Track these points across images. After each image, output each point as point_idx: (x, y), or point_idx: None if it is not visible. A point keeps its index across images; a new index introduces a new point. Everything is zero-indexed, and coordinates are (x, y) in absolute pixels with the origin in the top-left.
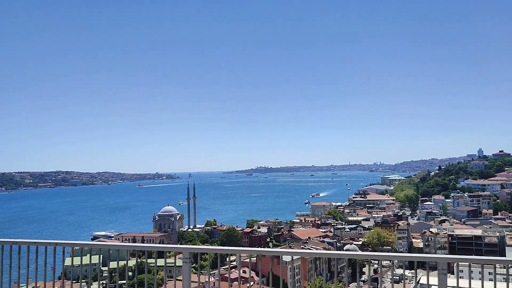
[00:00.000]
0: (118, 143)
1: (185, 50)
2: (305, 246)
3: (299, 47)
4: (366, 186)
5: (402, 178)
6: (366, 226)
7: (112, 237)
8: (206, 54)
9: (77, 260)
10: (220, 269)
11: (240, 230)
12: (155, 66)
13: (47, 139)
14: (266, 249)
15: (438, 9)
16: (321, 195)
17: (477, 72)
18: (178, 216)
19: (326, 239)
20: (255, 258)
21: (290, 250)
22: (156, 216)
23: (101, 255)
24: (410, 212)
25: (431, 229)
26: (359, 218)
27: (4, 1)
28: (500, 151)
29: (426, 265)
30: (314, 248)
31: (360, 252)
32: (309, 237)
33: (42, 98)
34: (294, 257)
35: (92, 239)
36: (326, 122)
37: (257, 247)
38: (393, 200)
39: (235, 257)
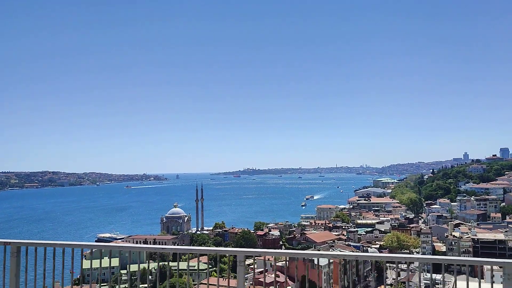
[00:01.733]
0: (105, 143)
1: (174, 50)
2: (334, 249)
3: (288, 48)
4: (361, 189)
5: (395, 181)
6: (382, 229)
7: (118, 238)
8: (195, 54)
9: (91, 263)
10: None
11: (252, 232)
12: (142, 67)
13: (33, 139)
14: (302, 251)
15: (429, 10)
16: (315, 197)
17: (464, 76)
18: (186, 218)
19: (350, 243)
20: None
21: (326, 252)
22: (164, 218)
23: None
24: (413, 215)
25: (453, 233)
26: (369, 221)
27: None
28: (493, 155)
29: (454, 268)
30: (342, 251)
31: (401, 255)
32: (330, 241)
33: (29, 98)
34: (322, 260)
35: (97, 241)
36: (313, 123)
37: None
38: (397, 203)
39: (249, 260)
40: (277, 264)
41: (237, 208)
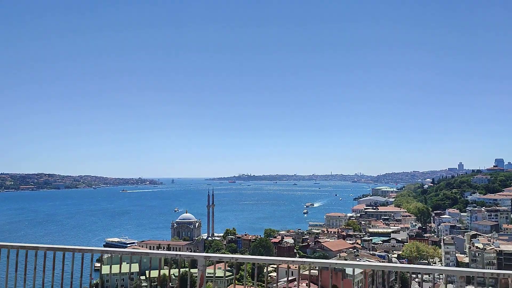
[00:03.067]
0: (100, 147)
1: (169, 57)
2: (360, 258)
3: (284, 56)
4: (360, 197)
5: (395, 189)
6: (399, 239)
7: (128, 243)
8: (190, 60)
9: (110, 268)
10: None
11: (269, 240)
12: (138, 73)
13: (28, 141)
14: (332, 260)
15: (425, 20)
16: (315, 205)
17: (459, 87)
18: (197, 224)
19: (375, 252)
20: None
21: (358, 262)
22: (175, 224)
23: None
24: (420, 224)
25: (475, 244)
26: (380, 230)
27: None
28: (494, 166)
29: (474, 280)
30: (368, 261)
31: (442, 267)
32: (346, 250)
33: (26, 101)
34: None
35: (105, 246)
36: (308, 131)
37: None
38: (405, 212)
39: (265, 268)
40: (301, 273)
41: (239, 214)
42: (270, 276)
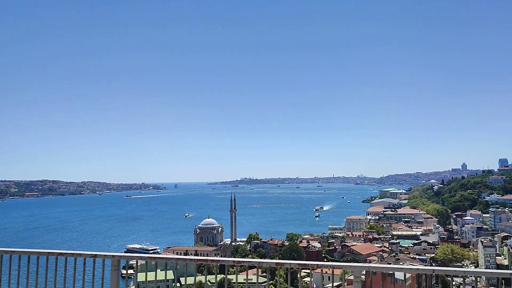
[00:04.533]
0: (102, 152)
1: (172, 58)
2: (404, 262)
3: (286, 57)
4: (370, 199)
5: (403, 191)
6: (431, 241)
7: (150, 250)
8: (191, 62)
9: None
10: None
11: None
12: (138, 75)
13: (31, 147)
14: (384, 265)
15: (433, 17)
16: (325, 208)
17: (462, 88)
18: (220, 229)
19: (417, 256)
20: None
21: (407, 266)
22: (197, 229)
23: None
24: (440, 227)
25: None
26: (404, 233)
27: None
28: (505, 166)
29: None
30: (411, 264)
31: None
32: (375, 253)
33: (25, 105)
34: (399, 275)
35: (126, 252)
36: (310, 133)
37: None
38: (424, 213)
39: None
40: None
41: (250, 218)
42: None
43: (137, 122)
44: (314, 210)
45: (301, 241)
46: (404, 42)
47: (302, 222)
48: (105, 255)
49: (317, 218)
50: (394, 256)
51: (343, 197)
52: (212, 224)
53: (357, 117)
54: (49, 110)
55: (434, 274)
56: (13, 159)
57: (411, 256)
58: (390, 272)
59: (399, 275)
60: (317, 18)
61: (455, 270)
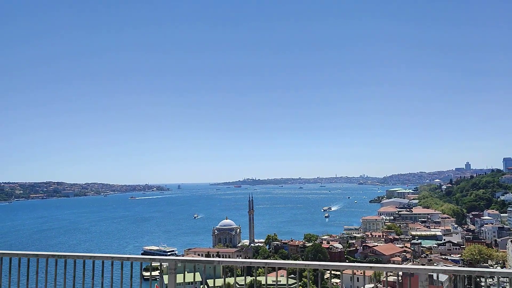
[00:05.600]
0: (105, 153)
1: (174, 57)
2: (437, 263)
3: (287, 56)
4: (378, 199)
5: (411, 190)
6: (455, 242)
7: (168, 252)
8: (193, 61)
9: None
10: None
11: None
12: (142, 75)
13: (34, 148)
14: (419, 266)
15: (437, 15)
16: (333, 208)
17: (465, 86)
18: (238, 230)
19: (443, 256)
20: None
21: (449, 268)
22: (216, 230)
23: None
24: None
25: None
26: (423, 233)
27: None
28: None
29: None
30: (445, 265)
31: None
32: (398, 254)
33: (24, 106)
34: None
35: (143, 254)
36: (312, 132)
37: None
38: (439, 213)
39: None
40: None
41: (260, 218)
42: (334, 282)
43: (140, 123)
44: (322, 210)
45: (321, 242)
46: (406, 41)
47: (313, 222)
48: (143, 258)
49: (327, 219)
50: (425, 257)
51: (349, 197)
52: (230, 225)
53: (359, 116)
54: (51, 111)
55: (473, 275)
56: (17, 160)
57: (439, 257)
58: (430, 273)
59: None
60: (322, 17)
61: (498, 272)
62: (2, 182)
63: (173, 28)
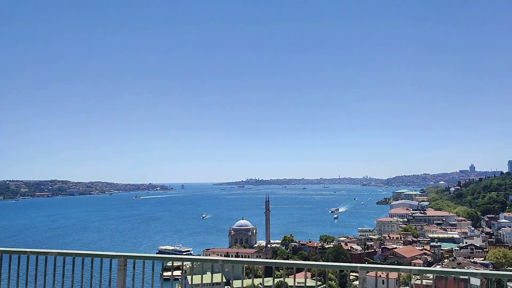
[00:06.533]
0: (109, 152)
1: (178, 57)
2: (468, 267)
3: (290, 56)
4: (388, 201)
5: (418, 192)
6: (477, 245)
7: (184, 252)
8: (198, 62)
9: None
10: None
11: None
12: (145, 75)
13: (39, 147)
14: (454, 269)
15: (443, 15)
16: (340, 210)
17: (470, 88)
18: (254, 231)
19: (476, 260)
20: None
21: (485, 271)
22: (232, 230)
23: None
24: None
25: None
26: (440, 235)
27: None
28: None
29: None
30: (475, 269)
31: None
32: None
33: (26, 105)
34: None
35: (158, 253)
36: (315, 133)
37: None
38: (454, 215)
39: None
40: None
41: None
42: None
43: (144, 123)
44: (330, 212)
45: (338, 243)
46: (412, 42)
47: (322, 223)
48: (182, 258)
49: (336, 220)
50: (454, 260)
51: (355, 199)
52: (247, 226)
53: (363, 117)
54: (55, 111)
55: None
56: (22, 159)
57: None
58: (465, 277)
59: (473, 281)
60: (326, 18)
61: None
62: (8, 180)
63: (179, 29)
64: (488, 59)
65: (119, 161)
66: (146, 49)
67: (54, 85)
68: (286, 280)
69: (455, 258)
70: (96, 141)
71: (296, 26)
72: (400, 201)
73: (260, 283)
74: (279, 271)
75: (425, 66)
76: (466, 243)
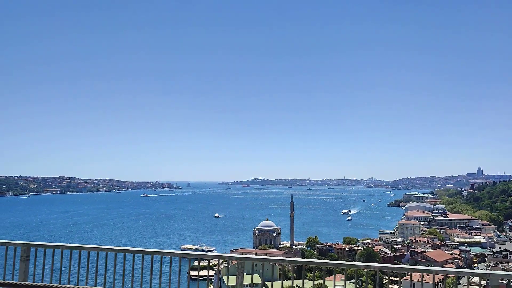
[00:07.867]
0: (116, 150)
1: (183, 58)
2: None
3: (297, 58)
4: (398, 203)
5: (429, 195)
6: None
7: (208, 251)
8: (204, 63)
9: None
10: None
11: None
12: (152, 75)
13: (47, 143)
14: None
15: (446, 19)
16: (352, 211)
17: (478, 92)
18: (278, 231)
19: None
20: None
21: None
22: (256, 231)
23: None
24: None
25: None
26: (467, 239)
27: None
28: None
29: None
30: None
31: None
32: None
33: (41, 103)
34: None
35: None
36: (321, 134)
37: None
38: (477, 219)
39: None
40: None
41: (282, 218)
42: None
43: (151, 122)
44: (342, 213)
45: (367, 246)
46: (419, 47)
47: (337, 224)
48: (236, 256)
49: (349, 222)
50: (496, 266)
51: (364, 200)
52: (271, 226)
53: (369, 120)
54: (63, 109)
55: None
56: (30, 155)
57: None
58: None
59: None
60: (332, 21)
61: None
62: (17, 176)
63: (189, 31)
64: (494, 64)
65: (126, 159)
66: (153, 51)
67: (63, 84)
68: (320, 281)
69: (497, 263)
70: (104, 139)
71: (310, 30)
72: (415, 204)
73: (297, 285)
74: (310, 273)
75: (432, 71)
76: (499, 248)
